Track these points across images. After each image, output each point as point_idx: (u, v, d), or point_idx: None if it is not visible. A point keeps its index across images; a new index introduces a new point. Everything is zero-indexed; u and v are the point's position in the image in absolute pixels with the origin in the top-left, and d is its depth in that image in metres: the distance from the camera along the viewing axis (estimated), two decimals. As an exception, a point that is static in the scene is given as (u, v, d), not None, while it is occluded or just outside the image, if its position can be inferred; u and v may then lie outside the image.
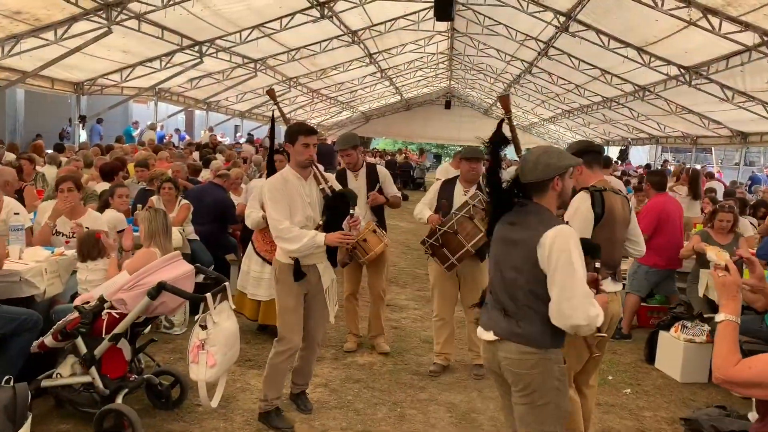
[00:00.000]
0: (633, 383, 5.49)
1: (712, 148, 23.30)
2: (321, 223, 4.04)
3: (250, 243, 5.97)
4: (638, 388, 5.39)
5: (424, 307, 7.38)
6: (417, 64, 24.41)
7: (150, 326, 4.34)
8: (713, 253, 2.81)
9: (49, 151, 12.08)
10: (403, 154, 29.32)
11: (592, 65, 16.57)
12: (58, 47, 12.01)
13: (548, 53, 16.82)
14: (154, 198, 6.75)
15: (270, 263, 5.39)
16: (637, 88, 16.94)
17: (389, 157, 27.40)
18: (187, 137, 21.75)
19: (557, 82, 20.15)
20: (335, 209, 4.07)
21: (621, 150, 27.45)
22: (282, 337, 4.09)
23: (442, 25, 18.46)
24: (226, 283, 3.97)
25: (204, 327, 3.62)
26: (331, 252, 4.17)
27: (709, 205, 10.04)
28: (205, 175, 9.68)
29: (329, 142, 21.63)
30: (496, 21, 16.28)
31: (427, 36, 20.01)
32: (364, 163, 5.69)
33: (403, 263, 10.04)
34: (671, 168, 24.58)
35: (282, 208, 3.89)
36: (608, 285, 3.49)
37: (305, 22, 14.84)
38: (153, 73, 15.97)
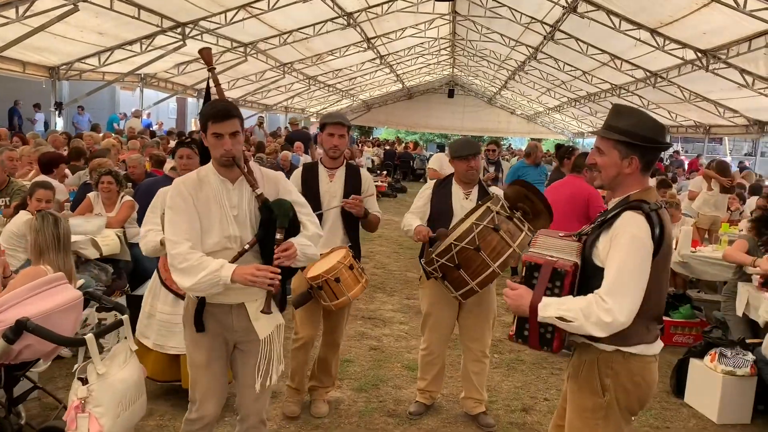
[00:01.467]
0: (660, 425, 4.50)
1: (725, 138, 22.35)
2: (246, 247, 2.83)
3: (155, 272, 4.29)
4: (665, 432, 4.42)
5: (411, 320, 6.40)
6: (418, 50, 23.53)
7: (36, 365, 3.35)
8: None
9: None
10: (402, 144, 28.24)
11: (600, 50, 15.76)
12: (21, 26, 11.06)
13: (554, 37, 16.04)
14: (91, 194, 5.77)
15: (165, 286, 4.14)
16: (648, 74, 16.14)
17: (388, 147, 26.32)
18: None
19: (563, 68, 19.39)
20: (270, 227, 2.86)
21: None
22: (192, 400, 2.95)
23: (443, 8, 17.54)
24: (125, 317, 2.98)
25: (84, 381, 2.65)
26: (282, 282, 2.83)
27: (736, 202, 9.04)
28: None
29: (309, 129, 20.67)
30: (499, 2, 15.35)
31: (427, 20, 19.09)
32: (345, 162, 4.24)
33: (394, 265, 9.04)
34: (683, 159, 23.58)
35: (181, 223, 2.74)
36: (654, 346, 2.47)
37: (295, 2, 13.88)
38: (133, 56, 15.06)
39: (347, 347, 5.44)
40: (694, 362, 4.85)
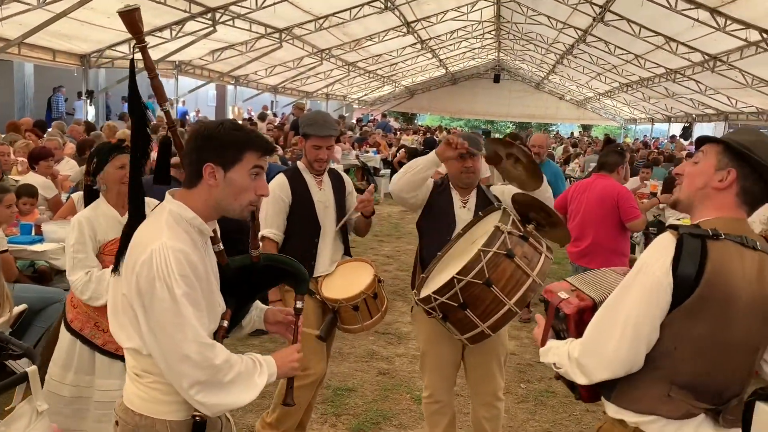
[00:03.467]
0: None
1: (790, 126, 20.98)
2: (225, 324, 2.00)
3: (62, 327, 3.19)
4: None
5: (430, 336, 5.73)
6: (461, 33, 22.66)
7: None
8: None
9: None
10: (444, 131, 27.32)
11: (654, 32, 14.77)
12: (44, 12, 10.79)
13: (605, 18, 15.04)
14: (75, 195, 5.24)
15: (100, 349, 3.03)
16: (706, 57, 15.06)
17: (428, 135, 25.52)
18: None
19: (614, 51, 18.38)
20: (246, 290, 2.13)
21: (684, 127, 25.06)
22: None
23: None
24: (30, 369, 2.39)
25: (-38, 459, 2.10)
26: None
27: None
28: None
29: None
30: (545, -18, 14.46)
31: (470, 2, 18.28)
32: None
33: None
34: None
35: (202, 312, 1.81)
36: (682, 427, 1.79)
37: (328, -15, 13.34)
38: (164, 43, 14.69)
39: (351, 371, 4.83)
40: (760, 406, 4.05)
